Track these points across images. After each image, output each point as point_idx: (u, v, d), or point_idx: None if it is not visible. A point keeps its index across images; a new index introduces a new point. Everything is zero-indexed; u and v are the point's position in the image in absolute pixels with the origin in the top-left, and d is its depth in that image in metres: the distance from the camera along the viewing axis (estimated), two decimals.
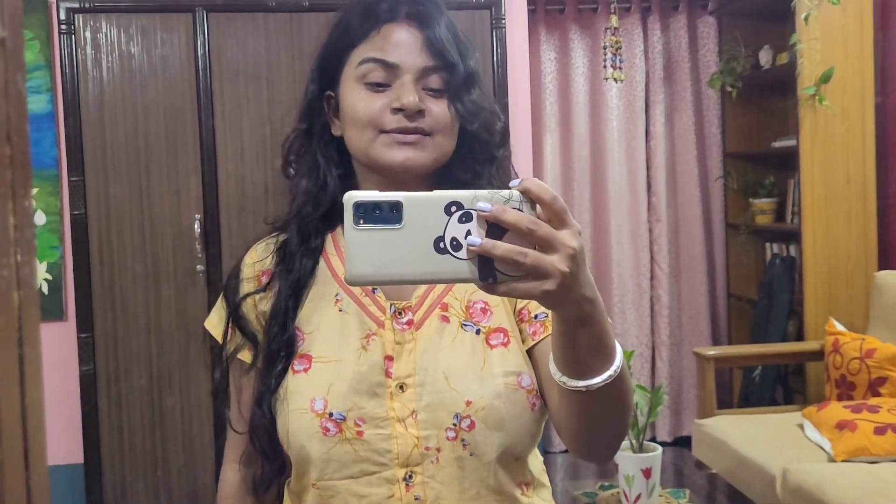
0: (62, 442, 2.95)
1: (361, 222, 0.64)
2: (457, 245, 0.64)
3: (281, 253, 0.98)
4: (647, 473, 1.97)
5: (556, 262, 0.64)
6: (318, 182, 0.96)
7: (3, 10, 0.32)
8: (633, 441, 1.95)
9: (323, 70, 0.96)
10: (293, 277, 0.95)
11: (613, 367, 0.74)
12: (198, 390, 2.90)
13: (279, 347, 0.93)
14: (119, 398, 2.88)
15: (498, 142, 0.97)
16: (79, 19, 2.85)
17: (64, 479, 2.97)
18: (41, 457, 0.33)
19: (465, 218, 0.64)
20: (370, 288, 0.95)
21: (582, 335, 0.71)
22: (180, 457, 2.91)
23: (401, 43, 0.91)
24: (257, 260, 1.00)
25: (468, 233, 0.64)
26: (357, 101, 0.92)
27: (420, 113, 0.90)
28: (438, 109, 0.91)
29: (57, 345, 2.94)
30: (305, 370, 0.92)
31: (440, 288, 0.95)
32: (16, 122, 0.33)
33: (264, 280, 0.98)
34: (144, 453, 2.90)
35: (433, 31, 0.91)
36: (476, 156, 0.95)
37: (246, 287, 0.99)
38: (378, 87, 0.91)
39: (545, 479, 1.00)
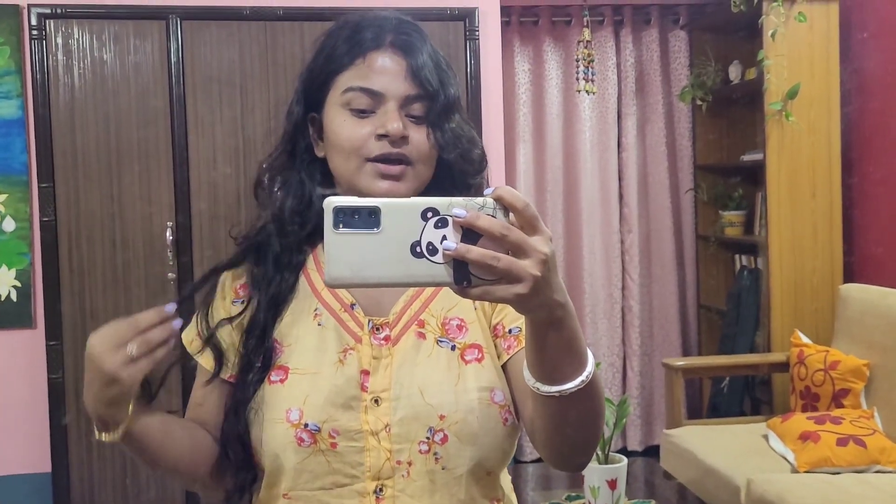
0: (29, 450, 2.92)
1: (341, 227, 0.67)
2: (433, 249, 0.67)
3: (258, 265, 0.99)
4: (612, 484, 1.99)
5: (528, 266, 0.67)
6: (303, 201, 0.98)
7: None
8: (599, 452, 1.98)
9: (307, 93, 0.98)
10: (273, 291, 0.97)
11: (585, 373, 0.76)
12: (167, 399, 2.87)
13: (256, 359, 0.94)
14: None
15: (474, 170, 0.99)
16: (50, 25, 2.83)
17: (31, 488, 2.94)
18: None
19: (441, 223, 0.67)
20: (349, 304, 0.97)
21: (554, 339, 0.73)
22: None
23: (385, 71, 0.93)
24: (235, 276, 1.01)
25: (444, 238, 0.67)
26: (341, 127, 0.93)
27: (404, 139, 0.92)
28: (419, 137, 0.93)
29: (25, 352, 2.91)
30: (282, 381, 0.93)
31: (417, 305, 0.97)
32: None
33: (242, 293, 0.99)
34: (113, 462, 2.88)
35: (416, 60, 0.93)
36: (454, 182, 0.97)
37: (221, 304, 1.00)
38: (362, 113, 0.93)
39: (514, 498, 1.02)
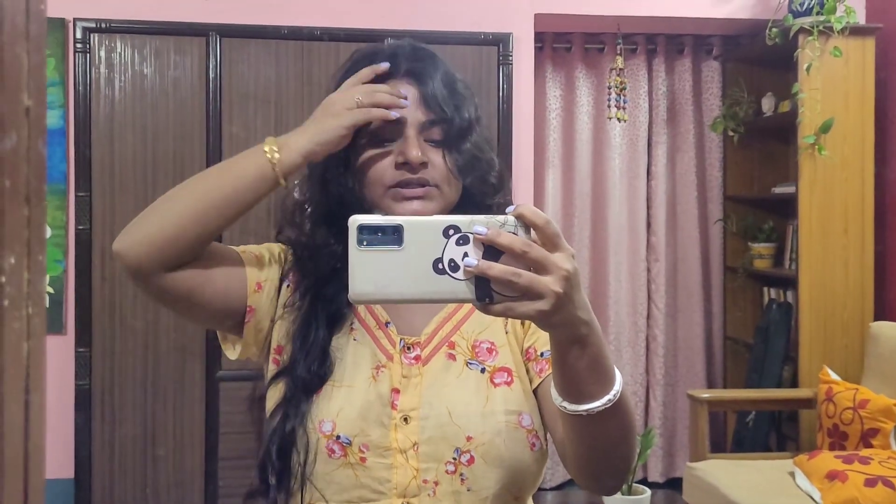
0: (53, 456, 2.95)
1: (364, 244, 0.69)
2: (454, 266, 0.68)
3: (311, 275, 1.00)
4: None
5: (550, 283, 0.67)
6: (335, 224, 0.99)
7: (30, 81, 0.34)
8: None
9: None
10: (330, 310, 0.98)
11: (613, 392, 0.76)
12: (191, 411, 2.90)
13: (315, 378, 0.95)
14: (113, 415, 2.89)
15: (492, 190, 1.00)
16: (94, 38, 2.90)
17: (53, 493, 2.97)
18: (39, 499, 0.35)
19: (463, 241, 0.68)
20: (384, 322, 0.98)
21: (578, 357, 0.74)
22: (170, 476, 2.91)
23: None
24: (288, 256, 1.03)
25: (465, 255, 0.68)
26: (366, 159, 0.97)
27: (424, 165, 0.94)
28: (439, 160, 0.96)
29: (55, 358, 2.95)
30: (317, 392, 0.95)
31: (449, 326, 0.99)
32: (35, 185, 0.35)
33: (291, 277, 1.01)
34: (135, 471, 2.90)
35: (429, 87, 0.96)
36: (474, 203, 0.99)
37: (267, 253, 1.02)
38: (385, 142, 0.96)
39: None
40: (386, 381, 0.95)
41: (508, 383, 0.95)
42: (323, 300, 0.98)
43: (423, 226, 0.69)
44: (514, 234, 0.68)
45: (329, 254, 0.99)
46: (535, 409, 0.95)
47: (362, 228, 0.69)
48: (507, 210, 0.69)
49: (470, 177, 0.97)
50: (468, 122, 0.97)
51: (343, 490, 0.92)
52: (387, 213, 0.95)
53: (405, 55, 0.99)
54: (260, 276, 1.00)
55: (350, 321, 0.99)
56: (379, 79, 0.98)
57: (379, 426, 0.92)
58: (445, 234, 0.68)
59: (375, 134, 0.96)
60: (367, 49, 1.02)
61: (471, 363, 0.96)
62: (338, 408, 0.93)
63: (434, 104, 0.95)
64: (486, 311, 0.69)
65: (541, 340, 0.97)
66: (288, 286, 1.01)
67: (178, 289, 0.94)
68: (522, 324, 1.00)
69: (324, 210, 1.01)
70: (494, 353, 0.97)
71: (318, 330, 0.97)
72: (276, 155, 0.93)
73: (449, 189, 0.96)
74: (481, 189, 0.99)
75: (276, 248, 1.05)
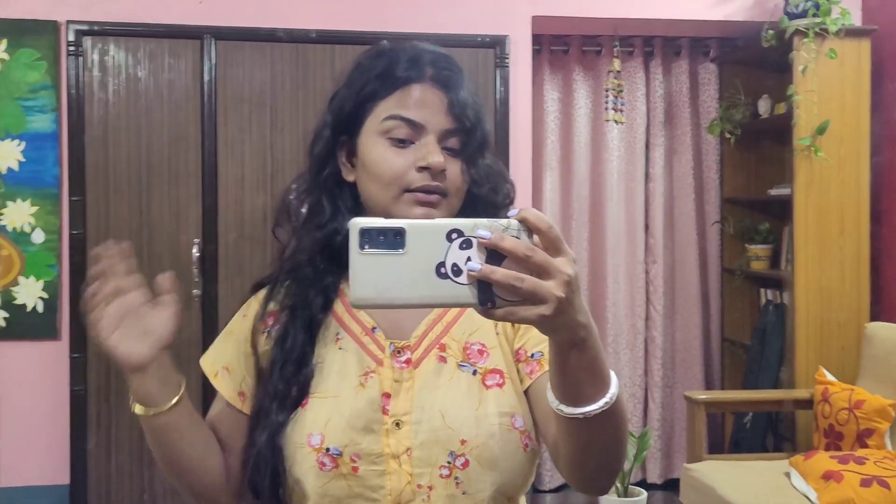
0: (49, 461, 2.94)
1: (366, 247, 0.68)
2: (457, 270, 0.67)
3: (290, 294, 0.99)
4: None
5: (552, 287, 0.67)
6: (331, 228, 0.98)
7: None
8: (619, 485, 1.96)
9: (339, 117, 0.99)
10: (306, 317, 0.97)
11: (609, 395, 0.76)
12: None
13: (293, 387, 0.94)
14: (108, 420, 2.88)
15: (503, 204, 1.00)
16: (87, 41, 2.89)
17: (48, 499, 2.95)
18: None
19: (466, 245, 0.67)
20: (370, 327, 0.97)
21: (577, 360, 0.74)
22: (167, 482, 2.89)
23: (426, 103, 0.94)
24: (264, 301, 1.01)
25: (468, 259, 0.67)
26: (381, 156, 0.94)
27: (443, 173, 0.93)
28: (455, 170, 0.95)
29: (49, 364, 2.94)
30: (303, 406, 0.94)
31: (439, 328, 0.98)
32: None
33: (270, 323, 0.99)
34: (131, 476, 2.89)
35: (457, 96, 0.94)
36: (480, 215, 0.98)
37: (240, 323, 1.01)
38: (401, 142, 0.94)
39: None
40: (376, 386, 0.93)
41: (500, 385, 0.94)
42: (302, 306, 0.97)
43: (426, 229, 0.68)
44: (516, 237, 0.67)
45: (319, 255, 0.99)
46: (527, 410, 0.95)
47: (364, 232, 0.68)
48: (509, 214, 0.68)
49: (485, 188, 0.97)
50: (488, 135, 0.97)
51: (337, 501, 0.91)
52: (390, 215, 0.93)
53: (430, 59, 0.96)
54: (236, 386, 1.00)
55: (336, 332, 0.98)
56: (402, 82, 0.94)
57: (369, 433, 0.91)
58: (448, 237, 0.68)
59: (393, 133, 0.94)
60: (386, 48, 0.98)
61: (462, 365, 0.95)
62: (325, 419, 0.92)
63: (461, 113, 0.94)
64: (488, 315, 0.68)
65: (531, 341, 0.96)
66: (264, 332, 1.00)
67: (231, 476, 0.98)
68: (513, 325, 0.99)
69: (318, 209, 0.99)
70: (486, 354, 0.96)
71: (296, 335, 0.96)
72: (137, 405, 0.91)
73: (456, 200, 0.96)
74: (493, 201, 0.99)
75: (238, 319, 1.03)
